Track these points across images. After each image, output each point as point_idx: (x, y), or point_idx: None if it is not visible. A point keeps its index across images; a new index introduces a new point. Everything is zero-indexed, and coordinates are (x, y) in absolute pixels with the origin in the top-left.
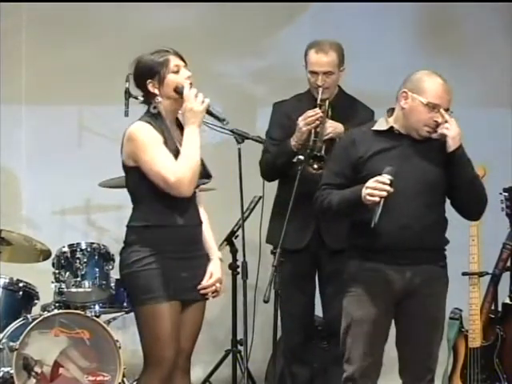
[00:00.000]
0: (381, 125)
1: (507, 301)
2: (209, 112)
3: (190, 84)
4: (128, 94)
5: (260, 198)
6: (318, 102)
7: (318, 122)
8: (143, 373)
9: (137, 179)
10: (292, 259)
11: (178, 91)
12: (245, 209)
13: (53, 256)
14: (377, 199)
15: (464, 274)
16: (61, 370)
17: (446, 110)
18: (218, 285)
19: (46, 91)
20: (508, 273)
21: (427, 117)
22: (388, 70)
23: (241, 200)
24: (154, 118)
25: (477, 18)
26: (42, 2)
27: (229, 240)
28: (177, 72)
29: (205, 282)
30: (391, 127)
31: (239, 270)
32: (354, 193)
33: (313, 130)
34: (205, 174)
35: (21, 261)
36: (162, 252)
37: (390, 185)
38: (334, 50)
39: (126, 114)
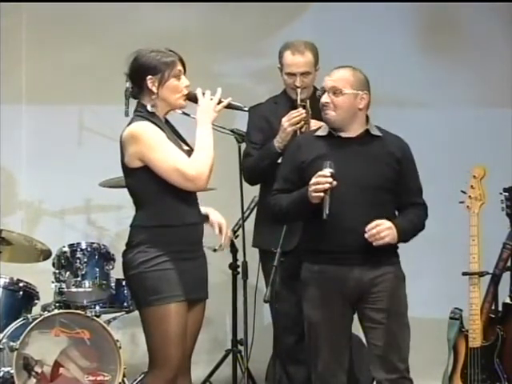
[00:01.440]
0: (323, 130)
1: (507, 301)
2: (229, 106)
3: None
4: (128, 94)
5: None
6: (299, 102)
7: (302, 123)
8: (149, 374)
9: (144, 179)
10: (283, 261)
11: (191, 98)
12: (245, 209)
13: (53, 256)
14: (321, 194)
15: (464, 273)
16: (61, 370)
17: (333, 90)
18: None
19: (46, 91)
20: (508, 273)
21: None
22: (388, 71)
23: (241, 200)
24: (151, 116)
25: (477, 18)
26: (42, 2)
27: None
28: (178, 77)
29: (218, 232)
30: (330, 132)
31: (239, 269)
32: (300, 193)
33: (298, 130)
34: None
35: (21, 261)
36: (171, 252)
37: (332, 177)
38: (310, 49)
39: (127, 114)
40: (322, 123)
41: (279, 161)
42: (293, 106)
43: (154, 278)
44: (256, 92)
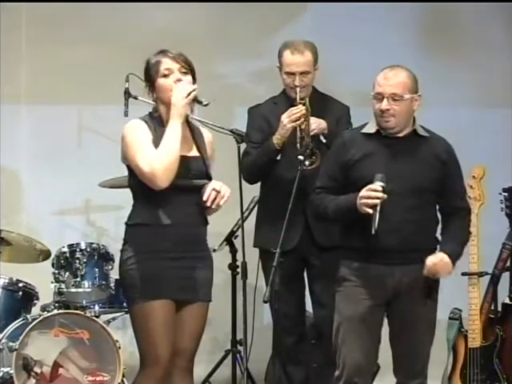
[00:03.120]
0: (370, 127)
1: (507, 301)
2: (195, 101)
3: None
4: (128, 94)
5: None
6: (298, 100)
7: (302, 119)
8: (139, 373)
9: (130, 177)
10: (282, 262)
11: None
12: (244, 209)
13: (52, 256)
14: (370, 210)
15: (464, 274)
16: (60, 371)
17: (393, 96)
18: (213, 192)
19: (46, 91)
20: (508, 273)
21: (375, 108)
22: None
23: (240, 200)
24: (152, 118)
25: (477, 19)
26: (42, 2)
27: (228, 240)
28: (167, 76)
29: (205, 196)
30: (378, 130)
31: (239, 270)
32: (348, 202)
33: (298, 128)
34: (206, 176)
35: (20, 261)
36: (151, 251)
37: (383, 191)
38: (309, 49)
39: (126, 114)
40: (321, 120)
41: (278, 157)
42: (292, 105)
43: (133, 276)
44: (256, 92)
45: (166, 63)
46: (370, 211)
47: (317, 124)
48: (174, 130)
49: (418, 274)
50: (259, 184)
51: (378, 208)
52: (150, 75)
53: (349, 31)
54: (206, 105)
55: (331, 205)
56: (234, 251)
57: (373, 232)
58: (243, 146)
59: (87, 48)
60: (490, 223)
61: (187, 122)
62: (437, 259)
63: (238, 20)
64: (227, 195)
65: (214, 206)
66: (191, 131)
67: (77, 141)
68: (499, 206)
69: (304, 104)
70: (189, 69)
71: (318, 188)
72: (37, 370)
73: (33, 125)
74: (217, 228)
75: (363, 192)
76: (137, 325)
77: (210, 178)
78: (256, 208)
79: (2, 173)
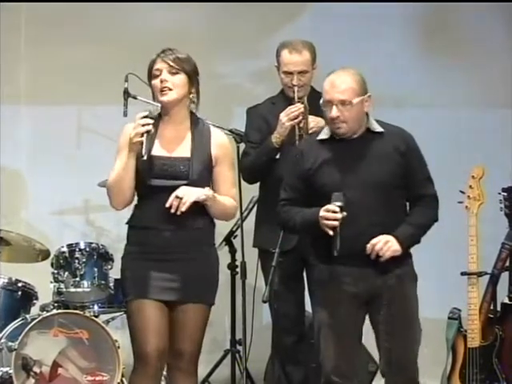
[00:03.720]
0: (324, 133)
1: (506, 301)
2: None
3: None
4: (127, 94)
5: (258, 198)
6: (296, 99)
7: (300, 118)
8: (132, 371)
9: None
10: (282, 262)
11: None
12: (243, 209)
13: (52, 256)
14: (330, 232)
15: (463, 273)
16: (60, 370)
17: (342, 103)
18: (176, 200)
19: (46, 91)
20: (507, 272)
21: (326, 115)
22: (387, 71)
23: (239, 200)
24: (152, 118)
25: (477, 18)
26: (42, 3)
27: (227, 240)
28: (157, 76)
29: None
30: (332, 134)
31: (238, 270)
32: (313, 216)
33: (296, 126)
34: (184, 177)
35: (20, 261)
36: (137, 252)
37: (342, 210)
38: (307, 48)
39: (125, 114)
40: (319, 119)
41: (277, 156)
42: (290, 104)
43: (125, 276)
44: (255, 92)
45: (157, 64)
46: (331, 232)
47: (315, 122)
48: (123, 163)
49: (391, 273)
50: (258, 184)
51: (338, 229)
52: (149, 75)
53: (348, 31)
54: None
55: (297, 219)
56: (233, 251)
57: (335, 254)
58: (242, 145)
59: (87, 48)
60: (490, 223)
61: (191, 123)
62: (376, 240)
63: (237, 20)
64: (190, 201)
65: (178, 213)
66: (192, 133)
67: (76, 140)
68: (498, 205)
69: (302, 102)
70: (178, 67)
71: (282, 200)
72: (36, 369)
73: (32, 124)
74: (216, 228)
75: (322, 213)
76: (128, 323)
77: (188, 180)
78: (255, 208)
79: (2, 172)
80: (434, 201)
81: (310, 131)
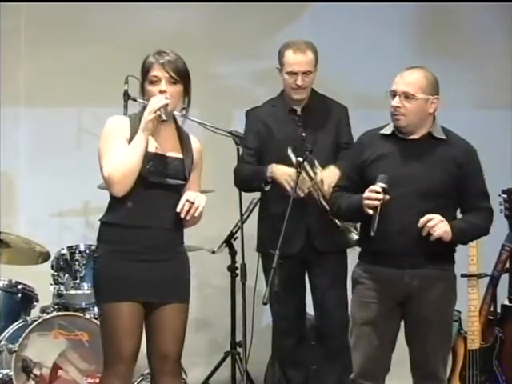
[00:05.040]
0: (388, 128)
1: (506, 302)
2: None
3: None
4: (127, 96)
5: (259, 200)
6: (294, 162)
7: (311, 187)
8: (102, 373)
9: None
10: (283, 264)
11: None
12: (243, 211)
13: (52, 258)
14: (370, 211)
15: (463, 275)
16: (60, 372)
17: (405, 94)
18: (187, 203)
19: (45, 93)
20: (507, 274)
21: (392, 109)
22: (387, 72)
23: (239, 202)
24: (138, 115)
25: (476, 19)
26: (42, 3)
27: (228, 242)
28: (153, 83)
29: (179, 207)
30: (394, 131)
31: (238, 271)
32: (358, 201)
33: (313, 192)
34: (183, 177)
35: (20, 263)
36: (121, 252)
37: (385, 192)
38: (311, 49)
39: None
40: (329, 176)
41: (267, 189)
42: (292, 109)
43: (102, 276)
44: (255, 94)
45: (155, 70)
46: (371, 212)
47: (328, 185)
48: (138, 143)
49: (428, 276)
50: None
51: (378, 209)
52: (142, 74)
53: (348, 32)
54: (163, 120)
55: (344, 203)
56: (233, 253)
57: (372, 234)
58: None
59: (87, 49)
60: None
61: (176, 126)
62: (431, 216)
63: (237, 21)
64: (202, 206)
65: (188, 217)
66: (179, 134)
67: (76, 142)
68: (498, 207)
69: (300, 172)
70: (178, 79)
71: (335, 186)
72: (36, 371)
73: (32, 126)
74: (216, 230)
75: (365, 193)
76: (102, 323)
77: (185, 180)
78: (256, 210)
79: (2, 174)
80: (489, 213)
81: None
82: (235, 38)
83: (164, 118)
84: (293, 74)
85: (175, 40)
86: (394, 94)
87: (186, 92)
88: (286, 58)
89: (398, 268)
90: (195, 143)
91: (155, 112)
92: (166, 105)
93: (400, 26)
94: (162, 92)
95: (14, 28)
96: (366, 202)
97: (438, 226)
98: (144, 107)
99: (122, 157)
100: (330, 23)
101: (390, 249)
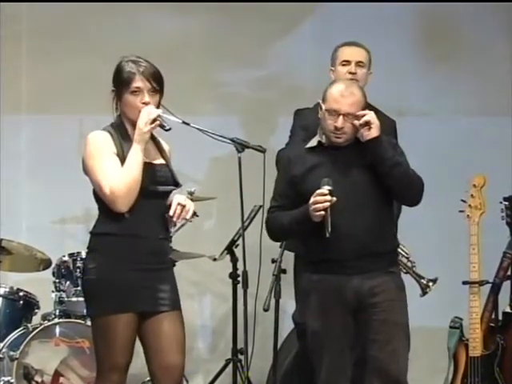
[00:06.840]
0: (311, 142)
1: (507, 310)
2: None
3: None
4: None
5: (260, 207)
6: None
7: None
8: (95, 381)
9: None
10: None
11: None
12: (245, 218)
13: (53, 265)
14: (322, 213)
15: (464, 282)
16: (61, 380)
17: (347, 114)
18: (179, 207)
19: (46, 101)
20: (508, 282)
21: (328, 123)
22: (387, 80)
23: (241, 209)
24: (115, 129)
25: (477, 26)
26: (43, 12)
27: (229, 249)
28: (136, 94)
29: (171, 212)
30: (319, 142)
31: (240, 279)
32: (301, 212)
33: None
34: (173, 182)
35: (21, 270)
36: (118, 262)
37: (331, 194)
38: (366, 49)
39: None
40: None
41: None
42: None
43: (98, 287)
44: (256, 101)
45: (137, 81)
46: (322, 213)
47: None
48: (136, 155)
49: (377, 281)
50: (260, 193)
51: (329, 211)
52: (119, 84)
53: (348, 40)
54: (168, 130)
55: (286, 219)
56: (234, 260)
57: (327, 235)
58: (244, 155)
59: (87, 58)
60: (491, 232)
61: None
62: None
63: (237, 29)
64: (192, 209)
65: (180, 220)
66: (154, 141)
67: (77, 150)
68: (500, 214)
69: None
70: (159, 88)
71: (271, 208)
72: (37, 379)
73: (33, 135)
74: (218, 237)
75: (312, 199)
76: (98, 334)
77: (177, 184)
78: (260, 215)
79: (3, 182)
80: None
81: None
82: (236, 46)
83: (167, 127)
84: (346, 62)
85: (176, 48)
86: (335, 114)
87: (160, 100)
88: (341, 51)
89: (347, 275)
90: (166, 146)
91: (152, 123)
92: (159, 115)
93: (400, 34)
94: (145, 104)
95: (15, 37)
96: (315, 206)
97: (374, 118)
98: (119, 118)
99: (123, 171)
100: (330, 32)
101: (337, 256)
